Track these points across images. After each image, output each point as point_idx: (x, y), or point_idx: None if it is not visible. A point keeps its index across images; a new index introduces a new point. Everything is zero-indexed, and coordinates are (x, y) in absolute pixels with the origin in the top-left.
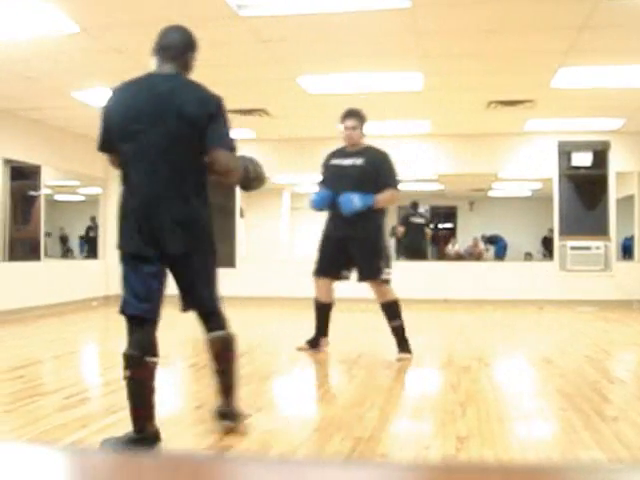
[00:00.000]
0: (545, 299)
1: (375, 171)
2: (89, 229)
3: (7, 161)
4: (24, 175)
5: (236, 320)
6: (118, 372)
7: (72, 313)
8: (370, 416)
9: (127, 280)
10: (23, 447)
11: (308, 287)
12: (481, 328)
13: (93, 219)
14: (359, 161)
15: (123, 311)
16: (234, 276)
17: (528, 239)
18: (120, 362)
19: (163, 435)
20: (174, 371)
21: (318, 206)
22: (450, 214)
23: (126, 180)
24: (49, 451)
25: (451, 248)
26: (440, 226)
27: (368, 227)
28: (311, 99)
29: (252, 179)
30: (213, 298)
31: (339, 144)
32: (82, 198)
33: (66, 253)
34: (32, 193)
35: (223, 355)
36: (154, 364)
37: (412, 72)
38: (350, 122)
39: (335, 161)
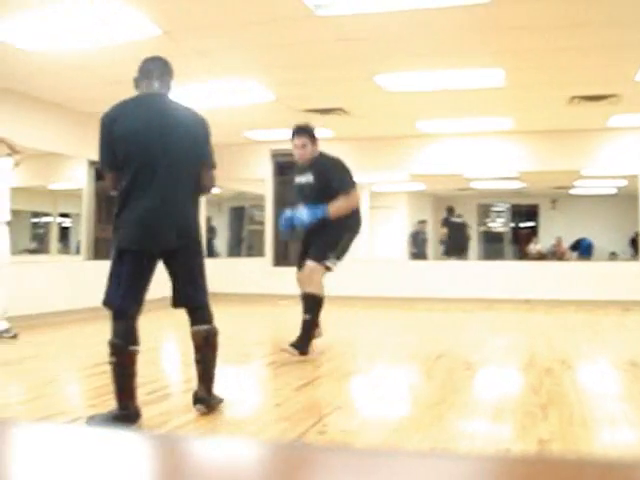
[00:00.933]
0: (631, 300)
1: (326, 181)
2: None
3: (92, 163)
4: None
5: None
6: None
7: (155, 310)
8: (449, 417)
9: (116, 275)
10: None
11: (388, 286)
12: (563, 329)
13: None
14: (310, 177)
15: (107, 303)
16: None
17: (613, 238)
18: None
19: (244, 432)
20: (253, 369)
21: (284, 237)
22: (531, 213)
23: (132, 191)
24: (124, 435)
25: (533, 247)
26: (521, 225)
27: (328, 223)
28: (389, 97)
29: None
30: (202, 293)
31: (416, 143)
32: None
33: None
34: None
35: (204, 347)
36: (135, 352)
37: (493, 68)
38: (299, 140)
39: (295, 178)
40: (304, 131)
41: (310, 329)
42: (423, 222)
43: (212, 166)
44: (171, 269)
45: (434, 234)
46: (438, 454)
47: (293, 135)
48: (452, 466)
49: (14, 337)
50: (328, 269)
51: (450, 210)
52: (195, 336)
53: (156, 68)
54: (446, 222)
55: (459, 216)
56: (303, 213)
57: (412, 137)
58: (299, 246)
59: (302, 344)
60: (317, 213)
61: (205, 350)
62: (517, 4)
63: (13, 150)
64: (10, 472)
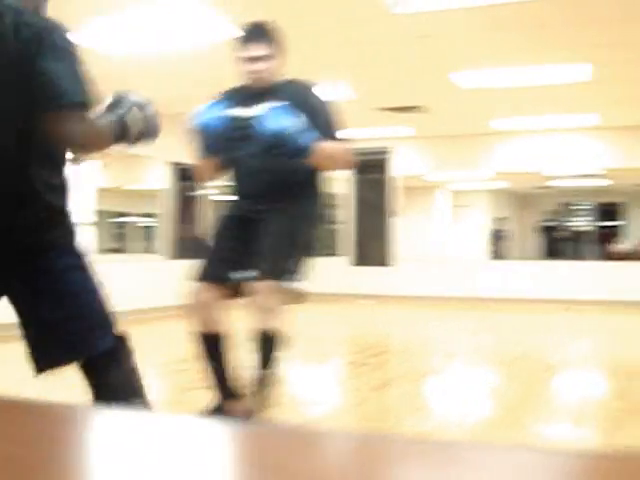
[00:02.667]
0: None
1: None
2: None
3: (173, 163)
4: (189, 176)
5: (392, 319)
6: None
7: (237, 308)
8: (528, 419)
9: None
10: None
11: (468, 286)
12: None
13: None
14: (276, 103)
15: None
16: (388, 275)
17: None
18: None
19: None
20: (333, 369)
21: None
22: (616, 211)
23: None
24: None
25: (617, 247)
26: (605, 224)
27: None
28: (465, 94)
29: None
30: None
31: (494, 140)
32: None
33: None
34: (195, 194)
35: None
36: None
37: (580, 63)
38: (256, 48)
39: (232, 110)
40: (262, 33)
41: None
42: (504, 220)
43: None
44: None
45: (516, 232)
46: (520, 447)
47: (243, 40)
48: (535, 460)
49: None
50: (288, 293)
51: None
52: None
53: None
54: None
55: None
56: (268, 115)
57: (490, 134)
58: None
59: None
60: (304, 139)
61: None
62: None
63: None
64: (100, 457)
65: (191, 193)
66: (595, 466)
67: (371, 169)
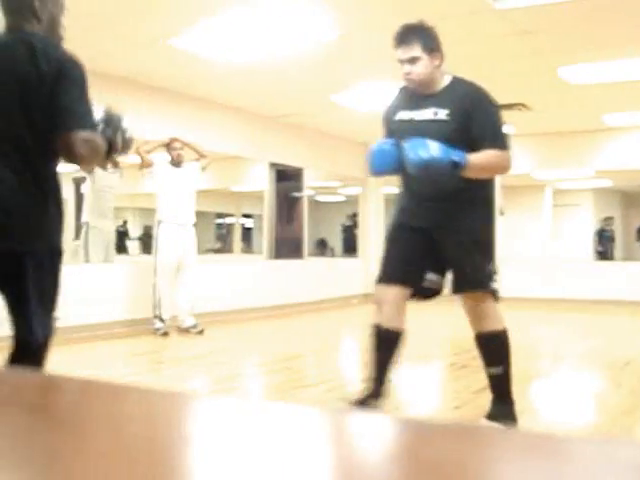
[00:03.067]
0: None
1: (465, 122)
2: (347, 228)
3: (272, 165)
4: (288, 177)
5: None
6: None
7: (332, 310)
8: (637, 429)
9: None
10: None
11: (573, 287)
12: None
13: (353, 217)
14: (431, 112)
15: None
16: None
17: None
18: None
19: None
20: (433, 370)
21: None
22: None
23: None
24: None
25: None
26: None
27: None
28: (573, 90)
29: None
30: None
31: (601, 137)
32: (342, 198)
33: (324, 252)
34: (296, 194)
35: None
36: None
37: None
38: (405, 51)
39: (399, 115)
40: (409, 35)
41: (504, 384)
42: (610, 219)
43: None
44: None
45: (622, 232)
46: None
47: (395, 44)
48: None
49: (200, 332)
50: (494, 295)
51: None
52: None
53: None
54: None
55: None
56: (427, 147)
57: (598, 131)
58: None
59: (503, 407)
60: (450, 155)
61: None
62: None
63: (200, 155)
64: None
65: (296, 194)
66: None
67: None
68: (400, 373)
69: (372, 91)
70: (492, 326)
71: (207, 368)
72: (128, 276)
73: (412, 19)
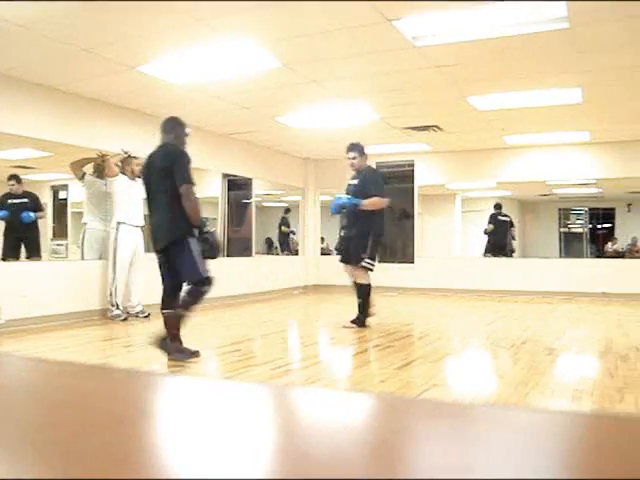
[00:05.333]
0: None
1: (365, 185)
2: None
3: (225, 175)
4: (239, 186)
5: (414, 308)
6: (315, 349)
7: (277, 300)
8: (533, 396)
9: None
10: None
11: (478, 280)
12: (639, 320)
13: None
14: (356, 181)
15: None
16: (412, 270)
17: None
18: (316, 340)
19: None
20: (362, 351)
21: (333, 214)
22: (608, 215)
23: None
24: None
25: (610, 246)
26: (599, 226)
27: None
28: (479, 115)
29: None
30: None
31: (503, 154)
32: (285, 205)
33: (270, 251)
34: (245, 201)
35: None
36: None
37: (572, 88)
38: (350, 154)
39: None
40: (352, 147)
41: (362, 307)
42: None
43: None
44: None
45: (519, 234)
46: (521, 408)
47: (347, 150)
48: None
49: (147, 317)
50: (364, 268)
51: (498, 206)
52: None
53: (164, 126)
54: (493, 220)
55: (506, 215)
56: (345, 198)
57: (499, 149)
58: (339, 241)
59: (359, 321)
60: (354, 201)
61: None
62: (594, 27)
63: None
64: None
65: (246, 201)
66: (592, 423)
67: (399, 179)
68: (336, 354)
69: (311, 113)
70: (360, 280)
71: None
72: (81, 272)
73: (340, 55)
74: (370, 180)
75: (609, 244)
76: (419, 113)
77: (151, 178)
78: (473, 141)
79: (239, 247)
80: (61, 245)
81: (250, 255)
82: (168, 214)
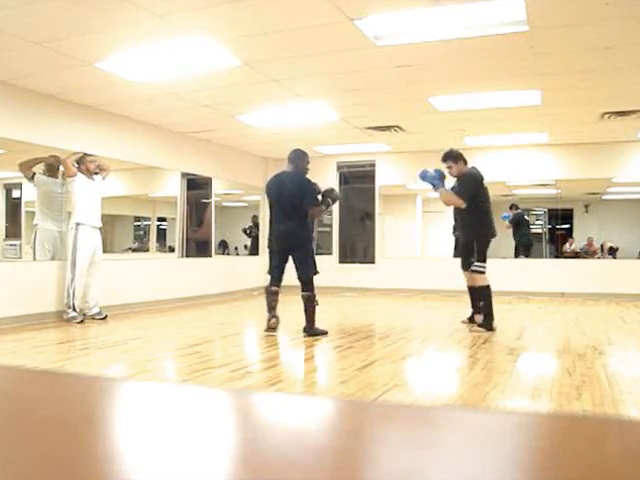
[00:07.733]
0: None
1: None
2: (250, 229)
3: (184, 174)
4: (198, 185)
5: (375, 308)
6: (275, 351)
7: (236, 301)
8: (493, 395)
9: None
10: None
11: (439, 280)
12: (595, 319)
13: (254, 217)
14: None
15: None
16: (373, 271)
17: None
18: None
19: None
20: (322, 352)
21: (420, 177)
22: (566, 216)
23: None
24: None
25: (568, 247)
26: (557, 227)
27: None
28: (440, 116)
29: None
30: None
31: (464, 155)
32: (245, 204)
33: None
34: (204, 200)
35: (306, 303)
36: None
37: (531, 90)
38: (445, 164)
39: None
40: (446, 157)
41: (489, 311)
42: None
43: (308, 204)
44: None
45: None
46: (482, 410)
47: (441, 161)
48: (502, 419)
49: (104, 319)
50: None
51: (515, 207)
52: (302, 297)
53: (290, 156)
54: (519, 218)
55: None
56: (430, 174)
57: (460, 150)
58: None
59: (486, 323)
60: (434, 182)
61: (306, 305)
62: (553, 30)
63: (101, 169)
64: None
65: (205, 200)
66: (549, 424)
67: (360, 179)
68: (296, 356)
69: (271, 112)
70: (477, 284)
71: (126, 353)
72: (35, 274)
73: (302, 52)
74: (461, 184)
75: (567, 244)
76: (380, 113)
77: (282, 194)
78: (434, 141)
79: (198, 247)
80: (14, 245)
81: (210, 255)
82: (298, 223)
